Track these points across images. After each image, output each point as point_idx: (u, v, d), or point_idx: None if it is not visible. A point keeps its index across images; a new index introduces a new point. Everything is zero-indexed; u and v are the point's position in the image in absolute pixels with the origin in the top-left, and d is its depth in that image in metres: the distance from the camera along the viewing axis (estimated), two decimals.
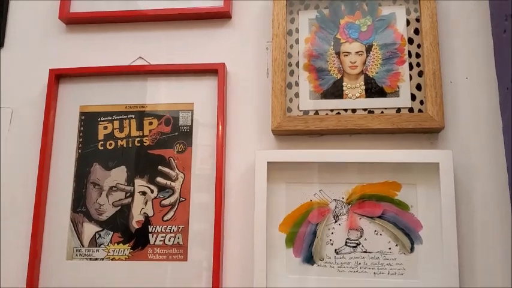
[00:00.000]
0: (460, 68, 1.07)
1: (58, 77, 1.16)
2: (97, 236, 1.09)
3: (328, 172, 1.05)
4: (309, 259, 1.03)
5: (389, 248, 1.01)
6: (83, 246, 1.09)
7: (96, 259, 1.08)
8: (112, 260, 1.07)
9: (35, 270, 1.08)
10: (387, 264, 1.00)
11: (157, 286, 1.04)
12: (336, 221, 1.04)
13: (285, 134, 1.08)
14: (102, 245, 1.08)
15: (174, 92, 1.13)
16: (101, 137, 1.13)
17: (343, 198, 1.04)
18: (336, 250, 1.03)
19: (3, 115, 1.17)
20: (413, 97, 1.05)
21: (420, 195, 1.02)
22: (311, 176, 1.06)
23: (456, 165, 1.00)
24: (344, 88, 1.08)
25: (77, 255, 1.09)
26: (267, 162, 1.04)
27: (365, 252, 1.02)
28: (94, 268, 1.07)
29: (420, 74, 1.06)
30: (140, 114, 1.13)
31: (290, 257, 1.03)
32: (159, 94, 1.14)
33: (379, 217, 1.02)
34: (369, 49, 1.09)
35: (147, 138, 1.11)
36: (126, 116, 1.13)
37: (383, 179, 1.03)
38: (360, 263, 1.01)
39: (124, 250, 1.07)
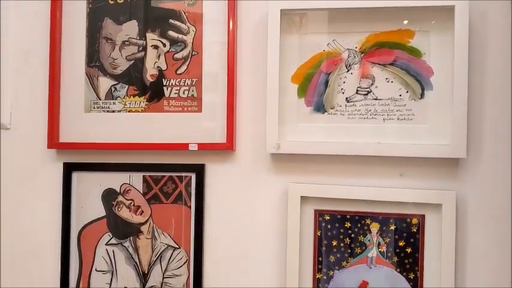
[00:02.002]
0: None
1: None
2: (113, 89, 1.11)
3: (341, 22, 1.04)
4: (320, 108, 1.05)
5: (400, 95, 1.02)
6: (100, 99, 1.11)
7: (113, 111, 1.11)
8: (129, 112, 1.10)
9: (55, 123, 1.11)
10: (397, 111, 1.03)
11: (173, 137, 1.07)
12: (348, 70, 1.04)
13: None
14: (119, 98, 1.10)
15: None
16: None
17: (356, 48, 1.04)
18: (346, 98, 1.04)
19: None
20: None
21: (433, 41, 1.01)
22: (324, 25, 1.05)
23: (472, 12, 0.98)
24: None
25: (94, 107, 1.12)
26: (281, 10, 1.02)
27: (375, 99, 1.03)
28: (112, 120, 1.11)
29: None
30: None
31: (301, 106, 1.06)
32: None
33: (391, 64, 1.03)
34: None
35: None
36: None
37: (396, 27, 1.02)
38: (370, 110, 1.03)
39: (140, 102, 1.10)
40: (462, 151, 0.97)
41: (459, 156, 0.98)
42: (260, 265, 1.07)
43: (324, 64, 1.05)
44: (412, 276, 1.02)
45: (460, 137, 0.97)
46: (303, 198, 1.04)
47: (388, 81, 1.03)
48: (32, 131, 1.15)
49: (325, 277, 1.05)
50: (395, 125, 1.03)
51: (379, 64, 1.03)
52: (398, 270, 1.02)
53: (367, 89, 1.04)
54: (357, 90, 1.04)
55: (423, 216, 1.02)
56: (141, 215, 1.10)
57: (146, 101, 1.10)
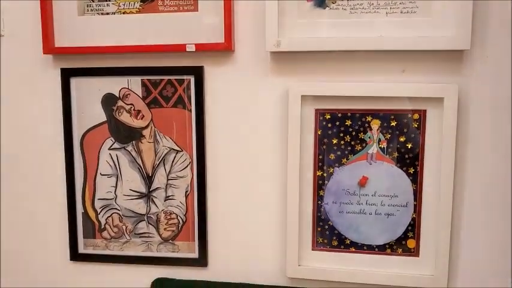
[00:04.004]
0: None
1: None
2: None
3: None
4: (321, 3, 1.01)
5: None
6: (93, 1, 1.08)
7: (107, 13, 1.08)
8: (123, 13, 1.07)
9: (49, 28, 1.09)
10: (400, 3, 0.99)
11: (169, 38, 1.04)
12: None
13: None
14: None
15: None
16: None
17: None
18: None
19: None
20: None
21: None
22: None
23: None
24: None
25: (88, 10, 1.08)
26: None
27: None
28: (106, 23, 1.08)
29: None
30: None
31: (302, 1, 1.02)
32: None
33: None
34: None
35: None
36: None
37: None
38: (372, 4, 1.00)
39: (134, 3, 1.07)
40: (466, 42, 0.95)
41: (463, 47, 0.95)
42: (261, 165, 1.08)
43: None
44: (411, 171, 1.03)
45: (464, 28, 0.94)
46: (304, 98, 1.03)
47: None
48: (27, 37, 1.12)
49: (325, 174, 1.06)
50: (398, 19, 0.99)
51: None
52: (398, 165, 1.03)
53: None
54: None
55: (424, 112, 1.01)
56: (141, 119, 1.10)
57: (140, 1, 1.06)
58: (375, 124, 1.03)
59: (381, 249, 1.06)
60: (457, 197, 1.02)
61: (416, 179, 1.03)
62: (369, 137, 1.04)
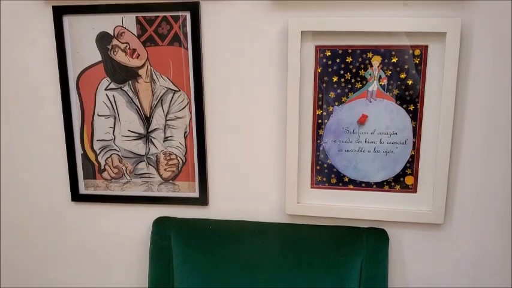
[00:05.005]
0: None
1: None
2: None
3: None
4: None
5: None
6: None
7: None
8: None
9: None
10: None
11: None
12: None
13: None
14: None
15: None
16: None
17: None
18: None
19: None
20: None
21: None
22: None
23: None
24: None
25: None
26: None
27: None
28: None
29: None
30: None
31: None
32: None
33: None
34: None
35: None
36: None
37: None
38: None
39: None
40: None
41: None
42: (260, 104, 1.07)
43: None
44: (412, 108, 1.02)
45: None
46: (304, 34, 1.01)
47: None
48: None
49: (324, 113, 1.05)
50: None
51: None
52: (398, 102, 1.02)
53: None
54: None
55: (426, 47, 0.99)
56: (137, 58, 1.08)
57: None
58: (376, 61, 1.01)
59: (379, 186, 1.07)
60: (456, 134, 1.02)
61: (416, 116, 1.03)
62: (370, 74, 1.02)
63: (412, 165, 1.05)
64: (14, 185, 1.22)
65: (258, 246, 1.07)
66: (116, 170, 1.15)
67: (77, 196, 1.18)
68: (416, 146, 1.04)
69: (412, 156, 1.04)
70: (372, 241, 1.04)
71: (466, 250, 1.07)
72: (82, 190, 1.17)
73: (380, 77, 1.02)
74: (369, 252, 1.04)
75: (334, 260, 1.04)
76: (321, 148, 1.07)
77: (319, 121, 1.06)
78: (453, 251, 1.07)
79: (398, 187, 1.06)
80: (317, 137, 1.07)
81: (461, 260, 1.08)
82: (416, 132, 1.03)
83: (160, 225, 1.12)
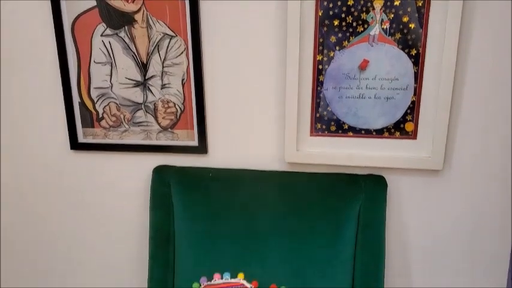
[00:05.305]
0: None
1: None
2: None
3: None
4: None
5: None
6: None
7: None
8: None
9: None
10: None
11: None
12: None
13: None
14: None
15: None
16: None
17: None
18: None
19: None
20: None
21: None
22: None
23: None
24: None
25: None
26: None
27: None
28: None
29: None
30: None
31: None
32: None
33: None
34: None
35: None
36: None
37: None
38: None
39: None
40: None
41: None
42: (260, 49, 1.05)
43: None
44: (414, 52, 1.00)
45: None
46: None
47: None
48: None
49: (325, 58, 1.03)
50: None
51: None
52: (400, 47, 1.00)
53: None
54: None
55: None
56: (133, 2, 1.05)
57: None
58: (378, 3, 0.99)
59: (379, 133, 1.06)
60: (458, 79, 1.00)
61: (417, 61, 1.01)
62: (371, 18, 1.00)
63: (412, 111, 1.04)
64: (13, 136, 1.21)
65: (257, 193, 1.07)
66: (114, 119, 1.14)
67: (75, 145, 1.17)
68: (417, 92, 1.03)
69: (413, 102, 1.03)
70: (370, 187, 1.05)
71: (464, 197, 1.07)
72: (81, 139, 1.17)
73: (382, 21, 0.99)
74: (367, 198, 1.04)
75: (332, 205, 1.05)
76: (321, 95, 1.06)
77: (320, 67, 1.04)
78: (451, 198, 1.08)
79: (398, 134, 1.06)
80: (317, 83, 1.05)
81: (459, 207, 1.08)
82: (418, 77, 1.02)
83: (160, 173, 1.13)
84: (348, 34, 1.01)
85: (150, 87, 1.10)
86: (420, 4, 0.97)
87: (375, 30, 1.00)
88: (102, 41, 1.08)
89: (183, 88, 1.09)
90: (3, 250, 1.32)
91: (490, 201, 1.07)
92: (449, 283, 1.13)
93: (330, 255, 1.01)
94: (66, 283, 1.31)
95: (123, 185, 1.19)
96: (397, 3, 0.98)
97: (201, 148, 1.13)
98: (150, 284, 1.09)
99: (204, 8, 1.04)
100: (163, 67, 1.08)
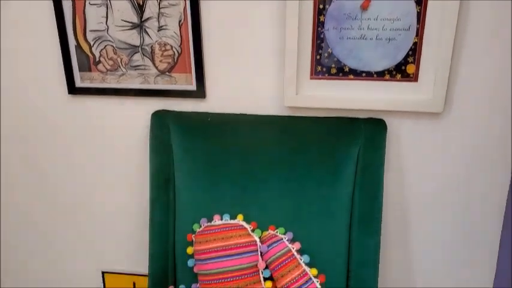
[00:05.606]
0: None
1: None
2: None
3: None
4: None
5: None
6: None
7: None
8: None
9: None
10: None
11: None
12: None
13: None
14: None
15: None
16: None
17: None
18: None
19: None
20: None
21: None
22: None
23: None
24: None
25: None
26: None
27: None
28: None
29: None
30: None
31: None
32: None
33: None
34: None
35: None
36: None
37: None
38: None
39: None
40: None
41: None
42: None
43: None
44: None
45: None
46: None
47: None
48: None
49: None
50: None
51: None
52: None
53: None
54: None
55: None
56: None
57: None
58: None
59: (380, 75, 1.05)
60: (462, 19, 0.97)
61: (420, 0, 0.98)
62: None
63: (414, 53, 1.02)
64: (10, 83, 1.20)
65: (256, 136, 1.07)
66: (111, 62, 1.12)
67: (73, 89, 1.16)
68: (419, 33, 1.00)
69: (415, 44, 1.01)
70: (370, 130, 1.05)
71: (463, 140, 1.07)
72: (78, 83, 1.16)
73: None
74: (366, 140, 1.04)
75: (331, 148, 1.05)
76: (321, 36, 1.04)
77: (321, 6, 1.01)
78: (451, 141, 1.08)
79: (399, 76, 1.04)
80: (318, 24, 1.02)
81: (459, 150, 1.08)
82: (420, 17, 0.99)
83: (159, 118, 1.12)
84: None
85: (146, 30, 1.08)
86: None
87: None
88: None
89: (180, 30, 1.07)
90: (3, 196, 1.33)
91: (489, 145, 1.07)
92: (448, 226, 1.15)
93: (328, 195, 1.03)
94: (68, 226, 1.34)
95: (123, 129, 1.19)
96: None
97: (199, 92, 1.12)
98: (151, 226, 1.11)
99: None
100: (159, 8, 1.06)
